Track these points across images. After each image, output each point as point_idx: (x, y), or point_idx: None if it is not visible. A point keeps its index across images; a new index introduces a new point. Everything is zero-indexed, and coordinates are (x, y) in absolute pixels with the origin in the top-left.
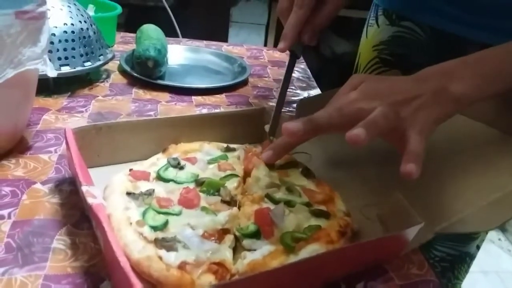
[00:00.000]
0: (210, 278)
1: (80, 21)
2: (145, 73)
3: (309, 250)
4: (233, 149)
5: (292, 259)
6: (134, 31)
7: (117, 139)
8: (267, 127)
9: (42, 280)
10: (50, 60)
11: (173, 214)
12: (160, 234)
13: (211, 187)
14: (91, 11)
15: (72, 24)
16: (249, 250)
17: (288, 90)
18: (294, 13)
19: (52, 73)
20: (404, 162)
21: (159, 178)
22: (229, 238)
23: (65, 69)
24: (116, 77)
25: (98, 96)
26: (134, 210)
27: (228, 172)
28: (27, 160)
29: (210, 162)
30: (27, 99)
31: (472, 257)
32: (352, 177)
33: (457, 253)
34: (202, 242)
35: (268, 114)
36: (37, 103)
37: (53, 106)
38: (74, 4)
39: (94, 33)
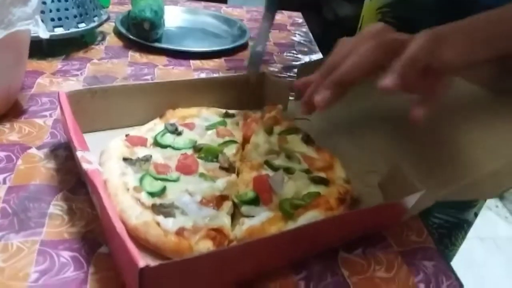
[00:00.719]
0: (208, 244)
1: None
2: (141, 35)
3: (308, 217)
4: (232, 115)
5: (291, 225)
6: None
7: (113, 103)
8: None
9: (38, 246)
10: (42, 21)
11: (170, 181)
12: (157, 200)
13: (209, 154)
14: None
15: None
16: (247, 216)
17: (289, 54)
18: None
19: (44, 34)
20: None
21: (157, 144)
22: (227, 205)
23: (59, 31)
24: (112, 40)
25: (93, 59)
26: (131, 176)
27: (227, 138)
28: (22, 124)
29: (208, 128)
30: (20, 61)
31: (469, 224)
32: (353, 143)
33: (455, 220)
34: (200, 208)
35: (268, 79)
36: (31, 66)
37: (48, 69)
38: None
39: None
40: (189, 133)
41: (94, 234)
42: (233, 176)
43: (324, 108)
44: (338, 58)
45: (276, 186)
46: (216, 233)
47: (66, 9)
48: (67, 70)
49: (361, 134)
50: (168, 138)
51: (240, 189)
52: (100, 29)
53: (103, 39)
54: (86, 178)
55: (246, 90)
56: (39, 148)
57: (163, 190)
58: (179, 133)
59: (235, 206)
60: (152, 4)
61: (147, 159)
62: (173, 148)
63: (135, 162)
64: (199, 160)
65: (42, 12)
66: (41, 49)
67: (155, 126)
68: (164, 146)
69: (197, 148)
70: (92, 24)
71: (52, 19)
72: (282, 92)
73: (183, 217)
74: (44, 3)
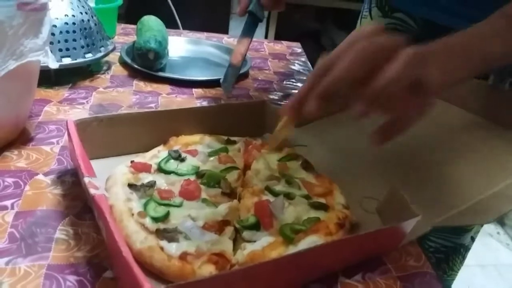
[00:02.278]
0: (210, 268)
1: (81, 12)
2: (146, 65)
3: (308, 242)
4: (234, 142)
5: (291, 250)
6: (135, 23)
7: (118, 131)
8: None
9: (45, 270)
10: (51, 51)
11: (174, 206)
12: (161, 225)
13: (211, 179)
14: (92, 2)
15: (73, 16)
16: (249, 241)
17: (288, 83)
18: None
19: (53, 64)
20: None
21: (160, 170)
22: (229, 230)
23: (66, 61)
24: (117, 69)
25: (99, 88)
26: (135, 202)
27: (229, 165)
28: (29, 151)
29: (210, 154)
30: (29, 90)
31: (466, 248)
32: (352, 169)
33: (451, 244)
34: (203, 233)
35: (268, 107)
36: (39, 95)
37: (55, 97)
38: None
39: (95, 24)
40: (192, 159)
41: (99, 258)
42: (235, 201)
43: (313, 119)
44: (325, 67)
45: (277, 211)
46: (218, 258)
47: (74, 40)
48: (73, 99)
49: (360, 160)
50: (172, 165)
51: (241, 214)
52: (106, 58)
53: (109, 68)
54: (93, 203)
55: (247, 117)
56: (46, 174)
57: (167, 215)
58: (182, 160)
59: (237, 231)
60: (157, 35)
61: (151, 185)
62: (177, 174)
63: (140, 188)
64: (202, 186)
65: (51, 43)
66: (49, 78)
67: (159, 153)
68: (167, 172)
69: (200, 174)
70: (99, 55)
71: (60, 50)
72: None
73: (186, 241)
74: (53, 34)
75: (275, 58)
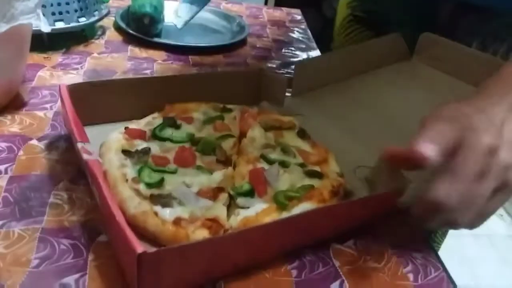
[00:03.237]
0: (204, 233)
1: None
2: (141, 30)
3: (301, 208)
4: (230, 110)
5: (285, 216)
6: None
7: (112, 97)
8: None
9: (39, 233)
10: (44, 15)
11: (168, 172)
12: (155, 191)
13: (206, 147)
14: None
15: None
16: (242, 207)
17: (287, 51)
18: None
19: (46, 28)
20: None
21: (155, 137)
22: (223, 196)
23: (60, 25)
24: (112, 34)
25: (93, 53)
26: (129, 168)
27: (224, 133)
28: (23, 116)
29: (206, 121)
30: (21, 54)
31: None
32: (348, 137)
33: None
34: (197, 199)
35: (265, 75)
36: (32, 60)
37: (48, 62)
38: None
39: None
40: (188, 126)
41: (93, 223)
42: (230, 169)
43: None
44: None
45: (272, 178)
46: (212, 223)
47: (67, 3)
48: (67, 64)
49: (356, 128)
50: (167, 132)
51: (236, 181)
52: (100, 23)
53: (103, 33)
54: (86, 169)
55: (243, 85)
56: (39, 139)
57: (161, 181)
58: (177, 127)
59: (231, 197)
60: (152, 0)
61: (145, 151)
62: (172, 141)
63: (134, 155)
64: (197, 153)
65: (44, 6)
66: (42, 42)
67: (154, 120)
68: (162, 139)
69: (195, 142)
70: (93, 19)
71: (53, 13)
72: (278, 88)
73: (180, 207)
74: None
75: (274, 25)
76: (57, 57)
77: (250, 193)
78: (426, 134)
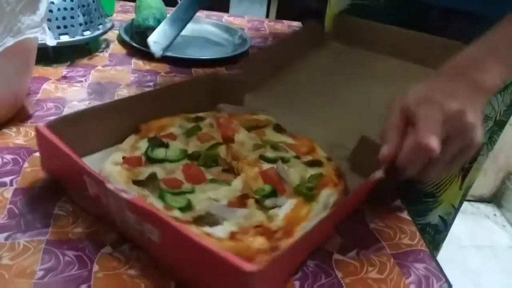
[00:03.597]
0: (260, 240)
1: None
2: (145, 43)
3: (325, 195)
4: (202, 118)
5: (315, 205)
6: (134, 0)
7: (87, 127)
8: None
9: (44, 245)
10: (49, 29)
11: (187, 192)
12: (192, 214)
13: (208, 159)
14: None
15: None
16: (272, 208)
17: None
18: None
19: (51, 42)
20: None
21: (151, 160)
22: (251, 202)
23: (64, 38)
24: (116, 47)
25: (97, 66)
26: (152, 197)
27: (212, 142)
28: (27, 128)
29: (187, 135)
30: (27, 68)
31: (436, 228)
32: (313, 120)
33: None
34: (232, 210)
35: (220, 77)
36: (37, 72)
37: (53, 75)
38: None
39: (94, 1)
40: (175, 143)
41: (97, 234)
42: (242, 175)
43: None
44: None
45: (284, 175)
46: (261, 229)
47: (72, 17)
48: (72, 77)
49: (315, 115)
50: (160, 153)
51: (252, 185)
52: (104, 36)
53: (107, 46)
54: (128, 208)
55: (200, 91)
56: None
57: (190, 202)
58: (166, 145)
59: (256, 201)
60: (156, 13)
61: (154, 177)
62: (169, 161)
63: (147, 183)
64: (202, 168)
65: (49, 20)
66: (47, 55)
67: (138, 143)
68: (159, 161)
69: (193, 157)
70: (97, 32)
71: (58, 27)
72: (237, 88)
73: (226, 222)
74: (50, 11)
75: (276, 37)
76: (62, 70)
77: (273, 193)
78: (424, 125)
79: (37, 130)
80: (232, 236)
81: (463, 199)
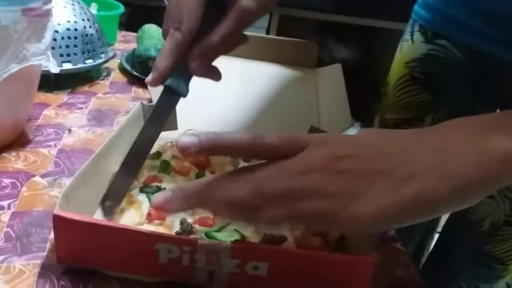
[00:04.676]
0: (319, 239)
1: (83, 19)
2: (146, 72)
3: None
4: (159, 152)
5: None
6: (135, 30)
7: (81, 198)
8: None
9: (39, 269)
10: (52, 56)
11: (215, 231)
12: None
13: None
14: (93, 9)
15: (75, 22)
16: None
17: None
18: (170, 36)
19: (54, 69)
20: None
21: None
22: None
23: (67, 66)
24: (117, 75)
25: (98, 94)
26: (201, 240)
27: (193, 172)
28: (27, 153)
29: (162, 172)
30: (30, 94)
31: None
32: (240, 125)
33: None
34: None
35: (145, 109)
36: (38, 99)
37: (54, 101)
38: (78, 2)
39: (96, 31)
40: (166, 184)
41: None
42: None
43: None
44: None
45: None
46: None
47: (75, 46)
48: (72, 103)
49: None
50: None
51: None
52: (105, 65)
53: (108, 74)
54: (233, 254)
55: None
56: (43, 176)
57: (241, 234)
58: (160, 188)
59: None
60: (157, 43)
61: (187, 223)
62: None
63: (185, 231)
64: None
65: (53, 48)
66: (48, 82)
67: (132, 198)
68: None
69: None
70: (99, 61)
71: (61, 55)
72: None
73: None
74: (54, 39)
75: None
76: (63, 97)
77: None
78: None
79: (57, 218)
80: (297, 240)
81: None
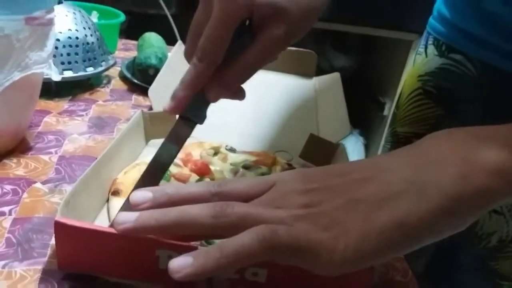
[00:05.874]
0: None
1: (84, 28)
2: (146, 80)
3: None
4: None
5: None
6: (136, 38)
7: (84, 202)
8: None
9: (40, 274)
10: (54, 64)
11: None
12: None
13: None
14: (94, 18)
15: (76, 30)
16: None
17: None
18: (192, 66)
19: (56, 77)
20: None
21: None
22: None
23: (68, 74)
24: (117, 83)
25: (98, 101)
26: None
27: (192, 179)
28: (28, 160)
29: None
30: (31, 101)
31: None
32: (240, 133)
33: None
34: None
35: (146, 118)
36: (39, 106)
37: (55, 109)
38: (79, 11)
39: (97, 39)
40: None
41: None
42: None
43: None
44: None
45: None
46: None
47: (76, 54)
48: (73, 110)
49: (234, 131)
50: None
51: None
52: (106, 73)
53: (109, 82)
54: None
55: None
56: (44, 182)
57: None
58: None
59: None
60: (158, 52)
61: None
62: None
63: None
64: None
65: (54, 56)
66: (49, 90)
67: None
68: None
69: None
70: (100, 69)
71: (62, 63)
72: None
73: None
74: (56, 47)
75: None
76: (63, 104)
77: None
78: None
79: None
80: None
81: None
